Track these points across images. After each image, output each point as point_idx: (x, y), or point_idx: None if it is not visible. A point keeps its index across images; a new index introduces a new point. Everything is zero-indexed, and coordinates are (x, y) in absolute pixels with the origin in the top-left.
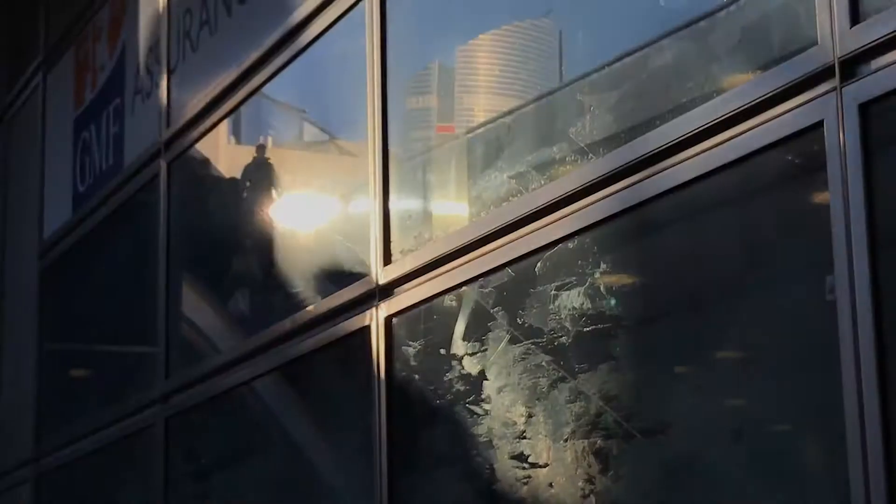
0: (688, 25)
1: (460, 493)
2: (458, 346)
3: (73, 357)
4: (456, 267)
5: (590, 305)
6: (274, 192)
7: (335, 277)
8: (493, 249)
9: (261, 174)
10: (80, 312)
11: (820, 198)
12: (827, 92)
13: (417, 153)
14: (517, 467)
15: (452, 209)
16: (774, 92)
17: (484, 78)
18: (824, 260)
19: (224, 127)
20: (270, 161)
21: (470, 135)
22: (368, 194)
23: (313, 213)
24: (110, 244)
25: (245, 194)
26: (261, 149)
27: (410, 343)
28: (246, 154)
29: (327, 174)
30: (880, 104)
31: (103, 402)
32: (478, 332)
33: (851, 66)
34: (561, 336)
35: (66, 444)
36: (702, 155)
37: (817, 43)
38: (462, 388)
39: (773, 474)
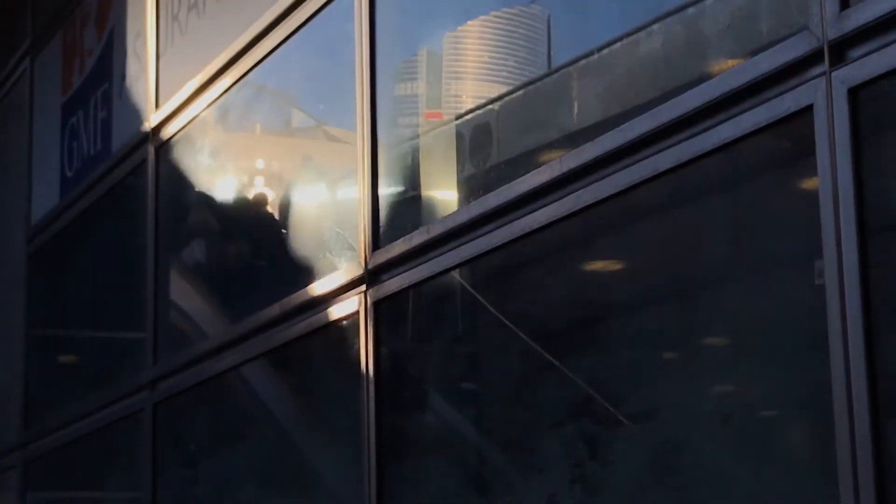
0: (677, 11)
1: (449, 479)
2: (447, 332)
3: (61, 343)
4: (444, 252)
5: (579, 291)
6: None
7: (324, 263)
8: (482, 235)
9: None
10: (68, 298)
11: (809, 182)
12: (816, 76)
13: (406, 139)
14: (506, 454)
15: (441, 195)
16: (763, 76)
17: (472, 64)
18: (813, 245)
19: (213, 112)
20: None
21: (458, 121)
22: (357, 180)
23: (302, 199)
24: (98, 229)
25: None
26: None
27: (399, 328)
28: (235, 140)
29: (316, 160)
30: (870, 88)
31: (91, 388)
32: (466, 317)
33: (841, 50)
34: (550, 321)
35: (54, 430)
36: (690, 140)
37: (807, 27)
38: (451, 374)
39: (762, 460)
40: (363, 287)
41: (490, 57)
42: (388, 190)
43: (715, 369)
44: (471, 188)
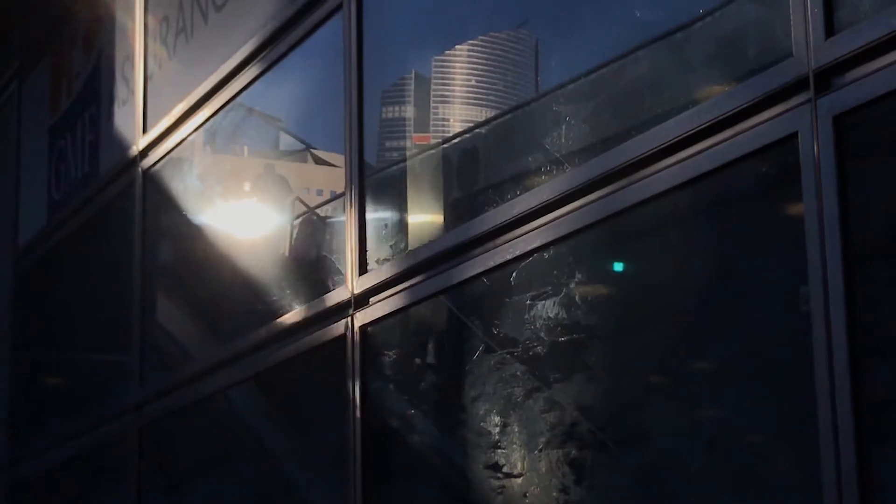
0: (663, 37)
1: (434, 503)
2: (433, 356)
3: (48, 365)
4: (431, 276)
5: (565, 315)
6: (277, 203)
7: (311, 286)
8: (469, 259)
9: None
10: (55, 320)
11: (794, 209)
12: (802, 103)
13: (393, 163)
14: (492, 477)
15: (428, 219)
16: (749, 103)
17: (460, 88)
18: (799, 271)
19: (200, 136)
20: (282, 175)
21: (446, 145)
22: (344, 203)
23: (289, 221)
24: (85, 252)
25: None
26: (270, 167)
27: (385, 352)
28: (223, 163)
29: (303, 183)
30: (854, 116)
31: (78, 411)
32: (453, 341)
33: (826, 77)
34: (536, 346)
35: (40, 453)
36: (677, 165)
37: (792, 55)
38: (437, 398)
39: (747, 484)
40: (350, 311)
41: (478, 81)
42: (375, 214)
43: (700, 395)
44: (458, 212)
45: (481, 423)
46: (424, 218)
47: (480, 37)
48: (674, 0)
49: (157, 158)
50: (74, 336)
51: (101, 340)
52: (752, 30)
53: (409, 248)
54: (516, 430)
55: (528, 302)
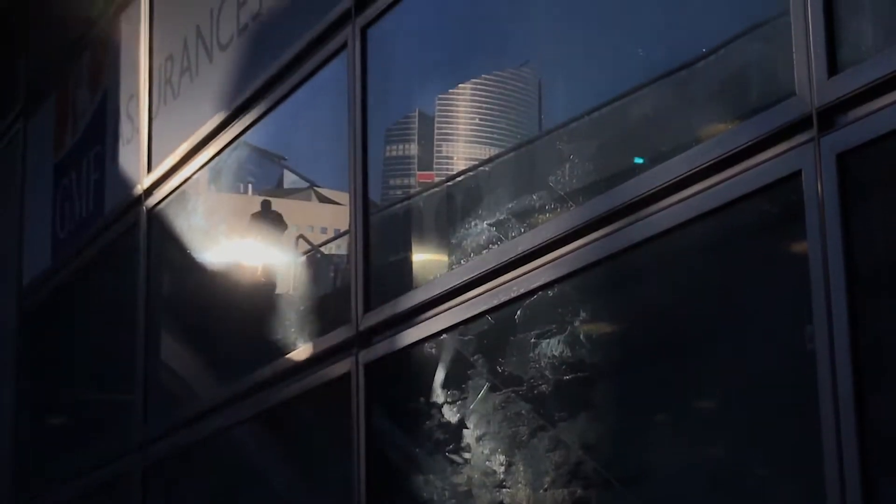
0: (667, 75)
1: None
2: (438, 394)
3: (52, 404)
4: (436, 314)
5: (569, 353)
6: (282, 241)
7: (316, 324)
8: (473, 297)
9: (270, 224)
10: (60, 359)
11: (799, 247)
12: (805, 142)
13: (398, 201)
14: None
15: (432, 256)
16: (753, 141)
17: (464, 126)
18: (803, 309)
19: (205, 174)
20: (279, 213)
21: (450, 182)
22: (349, 241)
23: (294, 259)
24: (90, 291)
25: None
26: (266, 203)
27: (390, 390)
28: (227, 201)
29: (307, 221)
30: (858, 154)
31: (82, 450)
32: (458, 379)
33: (829, 116)
34: (541, 384)
35: (44, 492)
36: (681, 203)
37: (795, 93)
38: (442, 436)
39: None
40: (355, 349)
41: (482, 119)
42: (379, 251)
43: (705, 431)
44: (463, 250)
45: (486, 462)
46: (429, 256)
47: (484, 75)
48: (677, 38)
49: (161, 197)
50: (79, 374)
51: (106, 379)
52: (755, 68)
53: (414, 286)
54: (521, 468)
55: (533, 340)
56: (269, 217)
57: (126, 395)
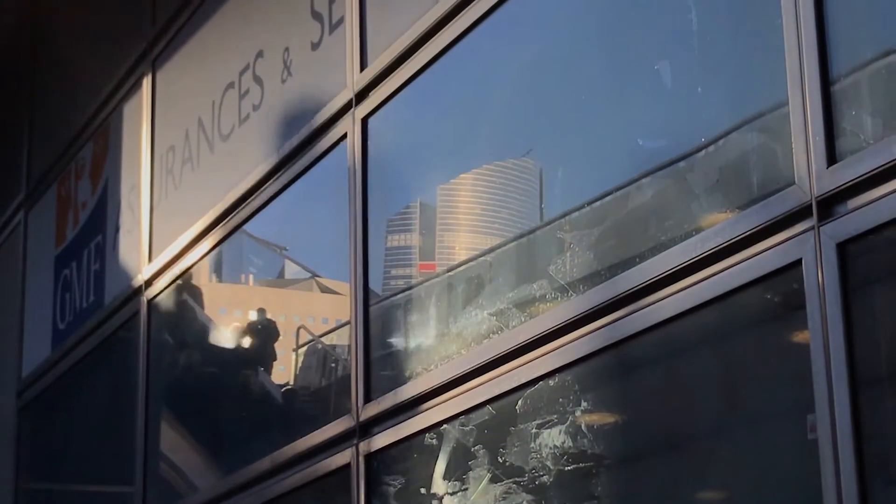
0: (667, 165)
1: None
2: (439, 485)
3: (51, 497)
4: (437, 405)
5: (571, 444)
6: (274, 352)
7: (316, 415)
8: (474, 387)
9: (263, 336)
10: (58, 451)
11: (800, 336)
12: (805, 231)
13: (399, 291)
14: None
15: (433, 347)
16: (753, 231)
17: (465, 216)
18: (805, 399)
19: (206, 264)
20: (274, 325)
21: (451, 273)
22: (349, 331)
23: (294, 350)
24: (89, 382)
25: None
26: (262, 311)
27: (391, 481)
28: (228, 291)
29: (309, 311)
30: (858, 243)
31: None
32: (458, 470)
33: (829, 205)
34: (542, 475)
35: None
36: (681, 293)
37: (794, 182)
38: None
39: None
40: (355, 440)
41: (483, 209)
42: (380, 341)
43: None
44: (463, 340)
45: None
46: (430, 346)
47: (485, 165)
48: (677, 128)
49: (161, 287)
50: (78, 467)
51: (105, 471)
52: (754, 158)
53: (415, 377)
54: None
55: (534, 430)
56: (260, 329)
57: (125, 486)
